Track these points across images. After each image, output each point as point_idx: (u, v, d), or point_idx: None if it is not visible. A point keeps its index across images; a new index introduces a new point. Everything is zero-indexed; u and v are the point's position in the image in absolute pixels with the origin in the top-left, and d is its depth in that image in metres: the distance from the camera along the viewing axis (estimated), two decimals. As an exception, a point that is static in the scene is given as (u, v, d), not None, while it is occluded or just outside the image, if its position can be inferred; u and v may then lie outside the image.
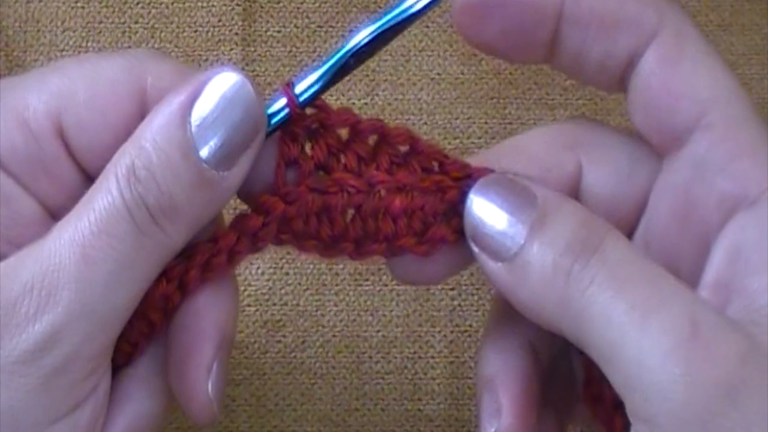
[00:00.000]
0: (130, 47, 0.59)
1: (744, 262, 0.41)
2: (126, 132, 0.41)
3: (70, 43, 0.59)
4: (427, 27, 0.60)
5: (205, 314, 0.42)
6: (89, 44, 0.59)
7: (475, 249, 0.43)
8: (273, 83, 0.59)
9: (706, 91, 0.42)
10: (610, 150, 0.44)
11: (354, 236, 0.43)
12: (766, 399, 0.38)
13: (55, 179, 0.42)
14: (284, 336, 0.57)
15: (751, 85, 0.60)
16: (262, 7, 0.60)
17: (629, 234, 0.44)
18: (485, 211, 0.43)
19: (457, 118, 0.59)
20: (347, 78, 0.59)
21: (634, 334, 0.39)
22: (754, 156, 0.42)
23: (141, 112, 0.42)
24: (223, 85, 0.41)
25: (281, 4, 0.60)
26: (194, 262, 0.42)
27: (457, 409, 0.57)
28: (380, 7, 0.60)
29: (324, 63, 0.43)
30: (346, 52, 0.43)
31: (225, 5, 0.60)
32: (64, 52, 0.59)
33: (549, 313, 0.41)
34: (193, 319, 0.42)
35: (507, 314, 0.44)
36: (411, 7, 0.43)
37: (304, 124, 0.43)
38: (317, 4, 0.60)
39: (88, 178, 0.42)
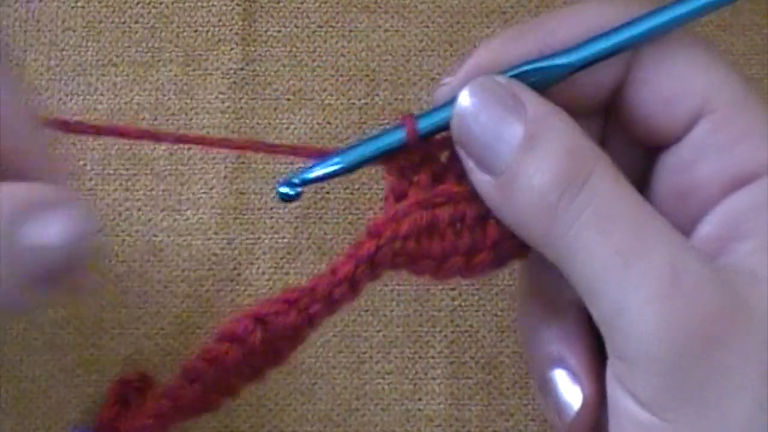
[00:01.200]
0: (129, 47, 0.59)
1: (735, 228, 0.41)
2: None
3: (70, 43, 0.59)
4: (427, 27, 0.60)
5: None
6: (89, 44, 0.59)
7: (463, 155, 0.43)
8: (273, 83, 0.59)
9: (705, 80, 0.42)
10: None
11: (463, 249, 0.43)
12: (740, 353, 0.39)
13: None
14: (284, 336, 0.57)
15: (751, 85, 0.60)
16: (262, 7, 0.60)
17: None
18: (472, 116, 0.42)
19: (457, 118, 0.59)
20: (347, 78, 0.59)
21: (616, 277, 0.39)
22: (756, 136, 0.42)
23: None
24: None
25: (281, 4, 0.60)
26: (316, 296, 0.42)
27: (457, 409, 0.57)
28: (380, 7, 0.60)
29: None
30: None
31: (225, 5, 0.60)
32: (64, 52, 0.59)
33: (534, 239, 0.41)
34: None
35: (546, 283, 0.45)
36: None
37: (413, 156, 0.43)
38: (317, 4, 0.60)
39: None
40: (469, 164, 0.42)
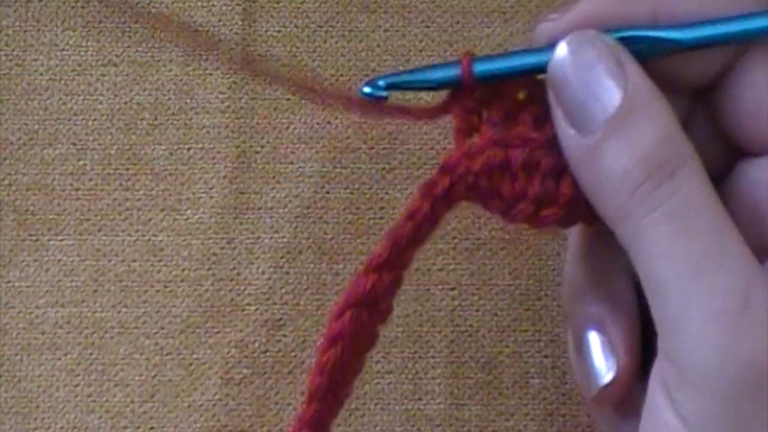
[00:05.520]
0: (129, 47, 0.59)
1: None
2: None
3: (70, 42, 0.59)
4: (427, 27, 0.60)
5: None
6: (89, 44, 0.59)
7: (554, 101, 0.41)
8: (273, 83, 0.59)
9: None
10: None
11: (533, 196, 0.42)
12: None
13: None
14: (284, 336, 0.57)
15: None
16: (262, 7, 0.60)
17: None
18: (572, 68, 0.40)
19: (457, 118, 0.59)
20: (347, 78, 0.59)
21: (685, 283, 0.38)
22: None
23: None
24: None
25: (281, 4, 0.60)
26: (401, 243, 0.41)
27: (457, 409, 0.57)
28: (380, 7, 0.60)
29: (522, 54, 0.43)
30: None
31: (225, 5, 0.60)
32: (64, 52, 0.59)
33: (607, 212, 0.40)
34: None
35: (602, 245, 0.43)
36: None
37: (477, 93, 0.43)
38: (317, 4, 0.60)
39: None
40: (558, 114, 0.41)
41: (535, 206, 0.42)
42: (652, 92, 0.40)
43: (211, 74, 0.59)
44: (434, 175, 0.42)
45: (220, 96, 0.59)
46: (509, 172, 0.41)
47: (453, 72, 0.43)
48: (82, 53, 0.59)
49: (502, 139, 0.42)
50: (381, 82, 0.44)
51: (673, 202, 0.38)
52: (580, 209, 0.42)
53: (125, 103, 0.59)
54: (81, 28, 0.60)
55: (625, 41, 0.41)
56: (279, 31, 0.60)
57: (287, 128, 0.59)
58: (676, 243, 0.38)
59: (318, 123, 0.59)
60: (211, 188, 0.58)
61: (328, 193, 0.58)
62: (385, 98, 0.44)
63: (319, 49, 0.60)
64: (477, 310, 0.58)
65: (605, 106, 0.39)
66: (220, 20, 0.60)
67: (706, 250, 0.38)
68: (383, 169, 0.59)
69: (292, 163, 0.59)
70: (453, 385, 0.57)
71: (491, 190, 0.42)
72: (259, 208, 0.58)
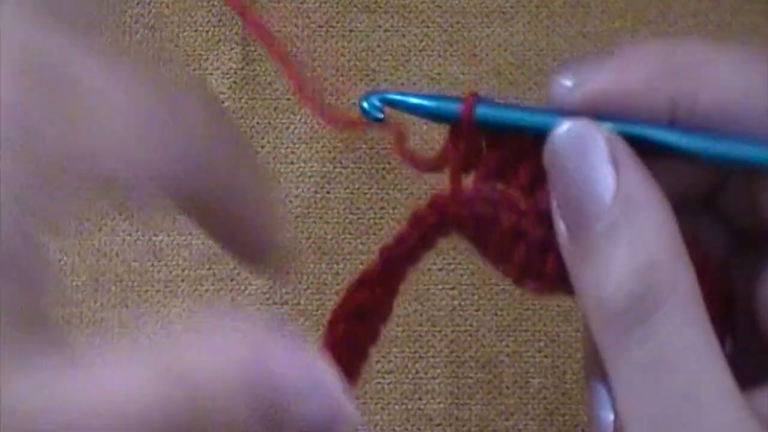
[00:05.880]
0: (129, 47, 0.59)
1: None
2: None
3: (71, 43, 0.59)
4: (427, 27, 0.60)
5: None
6: (89, 44, 0.59)
7: (550, 184, 0.38)
8: (273, 83, 0.59)
9: None
10: None
11: (518, 263, 0.40)
12: None
13: None
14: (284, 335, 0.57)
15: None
16: (262, 7, 0.60)
17: None
18: (564, 161, 0.37)
19: (457, 118, 0.59)
20: (347, 78, 0.59)
21: None
22: None
23: None
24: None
25: (281, 4, 0.60)
26: (392, 254, 0.41)
27: (457, 409, 0.57)
28: (381, 7, 0.60)
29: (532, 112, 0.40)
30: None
31: (225, 5, 0.60)
32: (64, 52, 0.59)
33: (587, 318, 0.37)
34: None
35: None
36: None
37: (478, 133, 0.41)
38: (317, 4, 0.60)
39: None
40: (553, 202, 0.38)
41: (519, 272, 0.40)
42: (644, 203, 0.36)
43: (211, 74, 0.59)
44: (423, 208, 0.41)
45: (220, 96, 0.59)
46: (497, 231, 0.40)
47: (453, 108, 0.41)
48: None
49: (493, 198, 0.40)
50: (375, 99, 0.42)
51: (649, 347, 0.35)
52: (566, 286, 0.39)
53: (125, 103, 0.59)
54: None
55: (631, 138, 0.37)
56: (279, 31, 0.60)
57: (287, 128, 0.59)
58: (643, 400, 0.35)
59: (318, 123, 0.59)
60: (211, 188, 0.58)
61: (328, 193, 0.58)
62: (382, 119, 0.42)
63: (319, 49, 0.60)
64: (477, 310, 0.58)
65: (591, 215, 0.36)
66: (220, 20, 0.60)
67: (673, 412, 0.35)
68: (383, 169, 0.59)
69: (292, 163, 0.59)
70: (453, 385, 0.57)
71: (479, 240, 0.41)
72: (259, 208, 0.58)
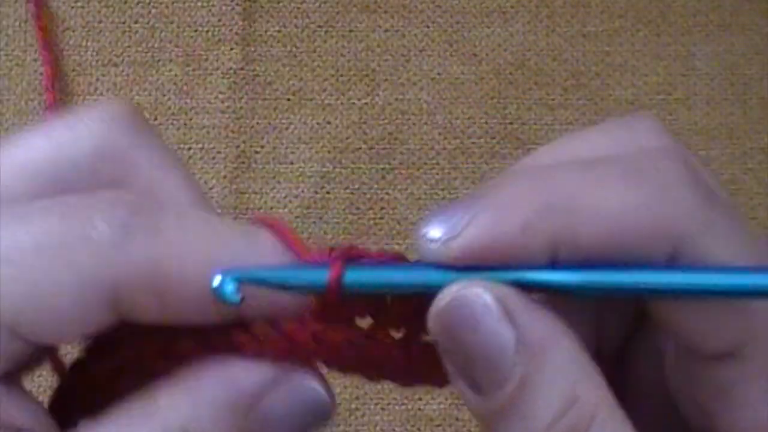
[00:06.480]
0: (129, 47, 0.59)
1: None
2: None
3: (71, 43, 0.59)
4: (428, 27, 0.60)
5: None
6: (89, 44, 0.59)
7: (441, 352, 0.36)
8: (273, 83, 0.59)
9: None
10: None
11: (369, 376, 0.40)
12: None
13: None
14: (284, 336, 0.57)
15: (751, 85, 0.60)
16: (262, 7, 0.60)
17: None
18: (454, 331, 0.35)
19: (457, 118, 0.59)
20: (347, 78, 0.59)
21: None
22: None
23: None
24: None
25: (281, 4, 0.60)
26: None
27: (457, 409, 0.57)
28: (380, 7, 0.60)
29: (404, 270, 0.36)
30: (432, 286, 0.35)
31: (225, 5, 0.60)
32: (64, 52, 0.59)
33: None
34: None
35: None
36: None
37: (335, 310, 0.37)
38: (317, 4, 0.60)
39: None
40: (451, 369, 0.36)
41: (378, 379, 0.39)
42: (550, 342, 0.35)
43: (211, 74, 0.59)
44: (277, 337, 0.37)
45: (220, 96, 0.59)
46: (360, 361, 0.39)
47: (319, 277, 0.36)
48: (82, 53, 0.59)
49: (357, 342, 0.38)
50: (229, 281, 0.35)
51: None
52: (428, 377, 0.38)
53: (125, 103, 0.59)
54: (81, 28, 0.60)
55: (519, 284, 0.35)
56: (279, 31, 0.60)
57: (287, 128, 0.59)
58: None
59: (318, 123, 0.59)
60: (211, 188, 0.58)
61: (328, 193, 0.58)
62: (240, 301, 0.35)
63: (319, 49, 0.60)
64: (477, 310, 0.58)
65: (499, 373, 0.35)
66: (220, 20, 0.60)
67: None
68: (383, 169, 0.59)
69: (292, 163, 0.59)
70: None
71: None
72: (259, 208, 0.58)
